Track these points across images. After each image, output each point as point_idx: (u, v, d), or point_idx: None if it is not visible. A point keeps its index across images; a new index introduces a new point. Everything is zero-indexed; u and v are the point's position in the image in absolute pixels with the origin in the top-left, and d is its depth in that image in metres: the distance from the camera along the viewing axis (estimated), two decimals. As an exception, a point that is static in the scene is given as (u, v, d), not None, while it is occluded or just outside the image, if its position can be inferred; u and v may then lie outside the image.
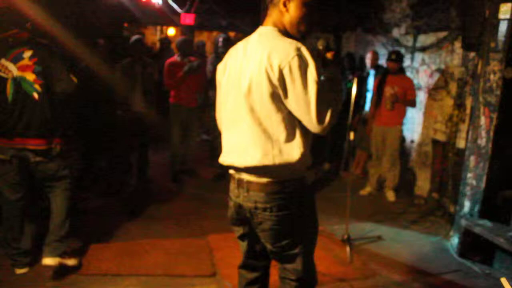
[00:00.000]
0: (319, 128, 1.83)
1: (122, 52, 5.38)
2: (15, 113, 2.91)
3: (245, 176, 1.97)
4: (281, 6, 1.93)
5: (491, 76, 3.67)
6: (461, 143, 5.01)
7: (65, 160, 3.18)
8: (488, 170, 3.75)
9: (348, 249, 3.80)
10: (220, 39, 5.80)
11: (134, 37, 5.16)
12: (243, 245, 2.23)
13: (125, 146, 5.30)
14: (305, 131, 1.91)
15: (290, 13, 1.93)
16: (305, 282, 2.12)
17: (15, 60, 2.92)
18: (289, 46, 1.80)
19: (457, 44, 5.10)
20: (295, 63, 1.76)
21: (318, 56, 2.00)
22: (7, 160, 2.97)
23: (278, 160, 1.86)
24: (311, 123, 1.83)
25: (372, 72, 6.08)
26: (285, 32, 1.95)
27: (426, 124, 5.64)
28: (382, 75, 5.40)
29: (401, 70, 5.44)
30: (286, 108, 1.85)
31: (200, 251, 3.74)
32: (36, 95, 2.94)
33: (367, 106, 6.10)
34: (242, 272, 2.31)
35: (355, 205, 4.50)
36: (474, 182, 3.87)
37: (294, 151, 1.88)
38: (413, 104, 5.31)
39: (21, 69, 2.91)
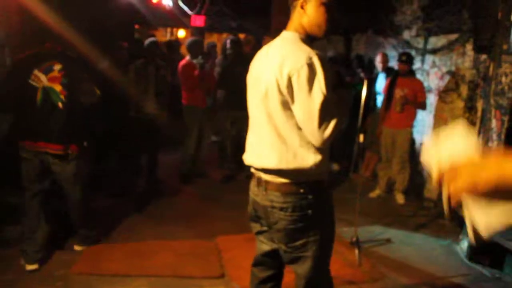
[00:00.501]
0: (319, 139, 1.84)
1: (135, 53, 5.41)
2: (41, 119, 3.19)
3: (264, 176, 2.01)
4: (299, 8, 1.94)
5: (503, 79, 3.64)
6: (472, 146, 4.97)
7: (80, 163, 3.41)
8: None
9: (357, 251, 3.79)
10: (228, 41, 5.83)
11: (149, 39, 5.21)
12: (258, 241, 2.26)
13: (136, 147, 5.33)
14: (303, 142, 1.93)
15: (308, 14, 1.93)
16: None
17: (46, 71, 3.20)
18: (301, 55, 1.81)
19: (468, 47, 5.06)
20: (304, 71, 1.77)
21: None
22: (29, 159, 3.27)
23: (292, 165, 1.90)
24: (313, 133, 1.84)
25: (382, 75, 6.05)
26: (306, 36, 1.96)
27: (436, 127, 5.60)
28: (392, 77, 5.39)
29: (411, 72, 5.42)
30: (286, 114, 1.89)
31: (209, 253, 3.75)
32: (60, 105, 3.21)
33: (377, 108, 6.08)
34: (254, 270, 2.32)
35: (364, 207, 4.49)
36: (484, 186, 3.84)
37: (308, 156, 1.90)
38: (423, 106, 5.29)
39: (51, 80, 3.19)
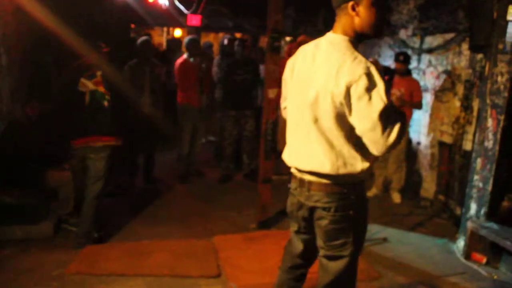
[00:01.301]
0: (383, 146, 1.84)
1: (129, 53, 5.39)
2: (91, 118, 3.73)
3: (307, 177, 2.05)
4: (349, 10, 1.90)
5: (499, 78, 3.65)
6: (467, 145, 4.98)
7: (110, 159, 3.85)
8: (495, 172, 3.73)
9: (353, 251, 3.80)
10: (225, 40, 5.83)
11: (142, 38, 5.19)
12: (295, 240, 2.32)
13: (133, 147, 5.31)
14: (361, 147, 1.94)
15: (361, 16, 1.89)
16: (344, 285, 2.16)
17: (90, 77, 3.75)
18: (358, 65, 1.79)
19: (464, 46, 5.07)
20: (362, 82, 1.77)
21: None
22: (76, 154, 3.89)
23: (342, 171, 1.94)
24: (376, 141, 1.83)
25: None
26: (356, 38, 1.93)
27: (432, 126, 5.62)
28: (389, 76, 5.39)
29: (408, 72, 5.43)
30: (349, 124, 1.88)
31: (206, 252, 3.75)
32: (106, 103, 3.76)
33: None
34: (290, 257, 2.39)
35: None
36: (480, 185, 3.86)
37: (357, 163, 1.94)
38: (419, 106, 5.30)
39: (96, 84, 3.75)
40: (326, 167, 1.94)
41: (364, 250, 3.91)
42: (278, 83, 4.29)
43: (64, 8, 4.78)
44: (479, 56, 4.70)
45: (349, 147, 1.92)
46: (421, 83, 5.71)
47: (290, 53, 4.98)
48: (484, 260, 3.85)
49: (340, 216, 2.00)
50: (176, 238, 4.01)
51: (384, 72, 5.87)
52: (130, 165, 5.37)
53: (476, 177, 3.90)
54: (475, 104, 4.84)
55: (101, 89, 3.79)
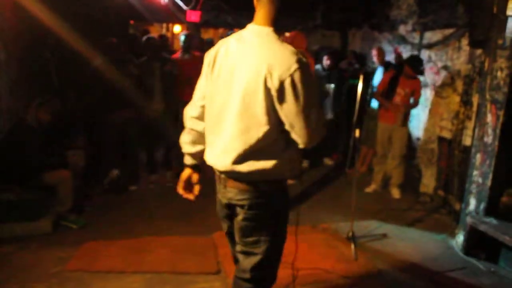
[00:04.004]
0: (310, 139, 1.87)
1: (129, 50, 5.38)
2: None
3: (223, 174, 2.00)
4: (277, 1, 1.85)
5: (498, 73, 3.64)
6: (467, 141, 4.98)
7: None
8: (494, 168, 3.73)
9: (353, 246, 3.80)
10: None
11: (146, 36, 5.23)
12: (228, 240, 2.28)
13: (134, 144, 5.31)
14: (290, 143, 1.92)
15: (277, 4, 1.86)
16: (255, 284, 2.12)
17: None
18: (290, 57, 1.76)
19: (464, 41, 5.05)
20: (297, 76, 1.74)
21: None
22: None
23: (253, 167, 1.88)
24: (303, 133, 1.84)
25: (380, 69, 6.04)
26: (275, 28, 1.87)
27: (432, 122, 5.61)
28: (396, 73, 5.33)
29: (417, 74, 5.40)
30: (277, 119, 1.84)
31: (205, 249, 3.74)
32: None
33: (373, 103, 6.07)
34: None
35: (360, 202, 4.49)
36: (480, 180, 3.85)
37: (277, 160, 1.89)
38: (416, 105, 5.32)
39: None
40: (242, 165, 1.88)
41: (363, 246, 3.95)
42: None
43: (63, 4, 4.77)
44: (479, 51, 4.69)
45: (269, 142, 1.86)
46: (421, 79, 5.70)
47: None
48: (483, 255, 3.86)
49: (253, 213, 1.96)
50: (175, 234, 4.00)
51: (386, 67, 5.89)
52: (131, 162, 5.38)
53: (475, 172, 3.90)
54: (475, 100, 4.83)
55: None
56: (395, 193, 5.54)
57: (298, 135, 1.85)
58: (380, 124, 5.52)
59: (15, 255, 3.44)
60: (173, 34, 9.58)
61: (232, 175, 1.94)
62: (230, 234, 2.21)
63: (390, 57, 6.24)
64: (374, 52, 6.05)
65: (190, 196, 2.25)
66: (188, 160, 2.23)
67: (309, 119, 1.82)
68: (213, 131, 2.00)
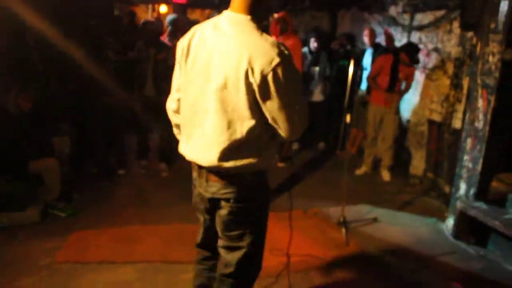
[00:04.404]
0: (293, 133, 1.84)
1: (114, 31, 5.26)
2: None
3: (204, 169, 1.94)
4: None
5: (490, 58, 3.61)
6: (457, 124, 4.98)
7: None
8: (485, 153, 3.73)
9: (344, 232, 3.81)
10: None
11: (143, 21, 5.15)
12: (200, 232, 2.26)
13: (122, 130, 5.24)
14: (271, 135, 1.89)
15: None
16: (240, 278, 2.10)
17: None
18: (271, 49, 1.68)
19: (455, 24, 5.01)
20: (279, 70, 1.67)
21: None
22: None
23: (241, 162, 1.84)
24: (287, 128, 1.81)
25: (369, 50, 5.98)
26: (256, 18, 1.78)
27: (422, 104, 5.60)
28: (394, 62, 5.28)
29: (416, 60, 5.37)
30: (260, 113, 1.78)
31: (196, 237, 3.70)
32: None
33: (363, 85, 6.04)
34: (199, 249, 2.34)
35: (350, 186, 4.49)
36: (470, 165, 3.86)
37: (259, 153, 1.87)
38: (408, 89, 5.32)
39: None
40: (228, 161, 1.83)
41: (354, 231, 3.96)
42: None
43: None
44: (469, 34, 4.66)
45: (253, 136, 1.81)
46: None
47: (272, 31, 4.86)
48: (472, 239, 3.90)
49: (239, 207, 1.93)
50: (166, 223, 3.96)
51: (375, 49, 5.84)
52: (119, 148, 5.31)
53: (466, 157, 3.91)
54: (465, 82, 4.82)
55: None
56: (385, 175, 5.56)
57: (281, 129, 1.82)
58: (372, 107, 5.50)
59: (2, 248, 3.38)
60: (159, 14, 9.38)
61: (216, 170, 1.89)
62: (207, 228, 2.17)
63: (380, 39, 6.17)
64: (365, 33, 5.97)
65: None
66: None
67: (292, 113, 1.78)
68: (190, 124, 1.94)
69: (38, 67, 4.82)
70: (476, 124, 3.78)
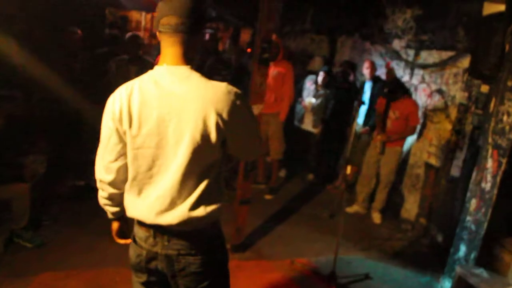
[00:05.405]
0: (258, 152, 1.96)
1: (116, 49, 4.93)
2: None
3: (167, 229, 1.81)
4: (190, 33, 1.72)
5: (505, 117, 3.38)
6: (455, 171, 4.77)
7: None
8: (491, 217, 3.50)
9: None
10: (207, 36, 5.44)
11: (130, 34, 4.73)
12: None
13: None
14: (222, 172, 1.87)
15: (199, 44, 1.83)
16: None
17: None
18: (226, 91, 1.70)
19: (461, 66, 4.80)
20: (243, 112, 1.74)
21: None
22: None
23: (209, 209, 1.79)
24: (253, 152, 1.93)
25: (369, 83, 5.74)
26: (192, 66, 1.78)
27: (420, 146, 5.38)
28: (387, 99, 5.06)
29: (403, 92, 5.09)
30: (219, 157, 1.78)
31: None
32: None
33: (360, 119, 5.80)
34: None
35: (339, 226, 4.23)
36: (473, 227, 3.62)
37: (219, 200, 1.83)
38: (412, 131, 5.04)
39: None
40: (199, 209, 1.77)
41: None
42: (263, 99, 3.93)
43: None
44: (477, 81, 4.45)
45: (215, 181, 1.80)
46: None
47: None
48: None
49: (205, 259, 1.85)
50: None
51: (375, 82, 5.61)
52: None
53: (468, 218, 3.66)
54: (468, 130, 4.61)
55: None
56: (376, 217, 5.32)
57: (240, 157, 1.96)
58: (372, 143, 5.28)
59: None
60: (152, 16, 9.07)
61: (182, 227, 1.77)
62: (147, 285, 1.95)
63: (380, 71, 5.94)
64: (366, 65, 5.72)
65: (128, 241, 2.03)
66: (114, 215, 2.07)
67: (254, 144, 1.88)
68: (145, 188, 1.80)
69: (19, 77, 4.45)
70: (483, 185, 3.54)
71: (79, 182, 4.80)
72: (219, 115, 1.66)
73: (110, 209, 2.02)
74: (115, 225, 2.12)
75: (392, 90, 4.99)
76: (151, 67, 1.78)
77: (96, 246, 3.78)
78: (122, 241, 2.14)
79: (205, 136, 1.67)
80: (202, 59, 5.29)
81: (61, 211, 4.31)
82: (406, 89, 5.13)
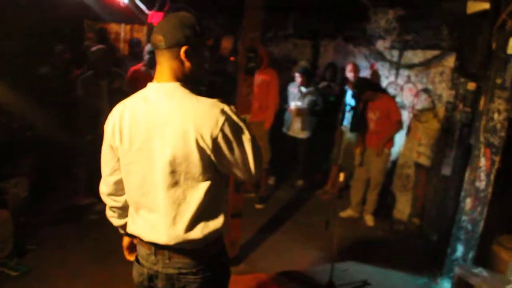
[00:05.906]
0: (256, 175, 1.81)
1: (81, 63, 4.78)
2: None
3: (166, 248, 1.80)
4: (182, 56, 1.70)
5: (495, 115, 3.36)
6: (446, 170, 4.75)
7: None
8: (487, 215, 3.47)
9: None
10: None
11: (96, 47, 4.52)
12: None
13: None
14: (222, 193, 1.88)
15: (193, 61, 1.74)
16: None
17: None
18: (213, 110, 1.65)
19: (447, 65, 4.80)
20: (227, 129, 1.65)
21: None
22: None
23: (205, 232, 1.76)
24: (249, 174, 1.79)
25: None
26: (188, 83, 1.74)
27: (409, 146, 5.35)
28: (364, 101, 5.04)
29: (380, 91, 5.05)
30: (214, 171, 1.74)
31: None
32: None
33: (346, 121, 5.75)
34: None
35: (333, 232, 4.16)
36: (469, 227, 3.59)
37: (219, 218, 1.81)
38: (398, 125, 4.97)
39: None
40: (195, 230, 1.74)
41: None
42: (250, 109, 3.86)
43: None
44: (463, 78, 4.44)
45: (210, 202, 1.75)
46: (398, 100, 5.44)
47: None
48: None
49: (206, 276, 1.83)
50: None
51: (359, 83, 5.57)
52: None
53: (464, 217, 3.63)
54: (457, 128, 4.60)
55: None
56: (369, 220, 5.28)
57: (239, 176, 1.81)
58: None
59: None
60: (132, 28, 8.93)
61: (182, 245, 1.75)
62: None
63: (366, 73, 5.92)
64: (349, 68, 5.69)
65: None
66: (121, 230, 2.10)
67: (248, 162, 1.75)
68: (140, 205, 1.82)
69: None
70: (477, 184, 3.51)
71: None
72: (198, 132, 1.63)
73: (114, 222, 2.05)
74: (125, 241, 2.15)
75: (359, 87, 4.94)
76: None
77: (84, 271, 3.64)
78: (132, 258, 2.08)
79: (186, 153, 1.65)
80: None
81: (47, 234, 4.16)
82: (377, 86, 5.10)
